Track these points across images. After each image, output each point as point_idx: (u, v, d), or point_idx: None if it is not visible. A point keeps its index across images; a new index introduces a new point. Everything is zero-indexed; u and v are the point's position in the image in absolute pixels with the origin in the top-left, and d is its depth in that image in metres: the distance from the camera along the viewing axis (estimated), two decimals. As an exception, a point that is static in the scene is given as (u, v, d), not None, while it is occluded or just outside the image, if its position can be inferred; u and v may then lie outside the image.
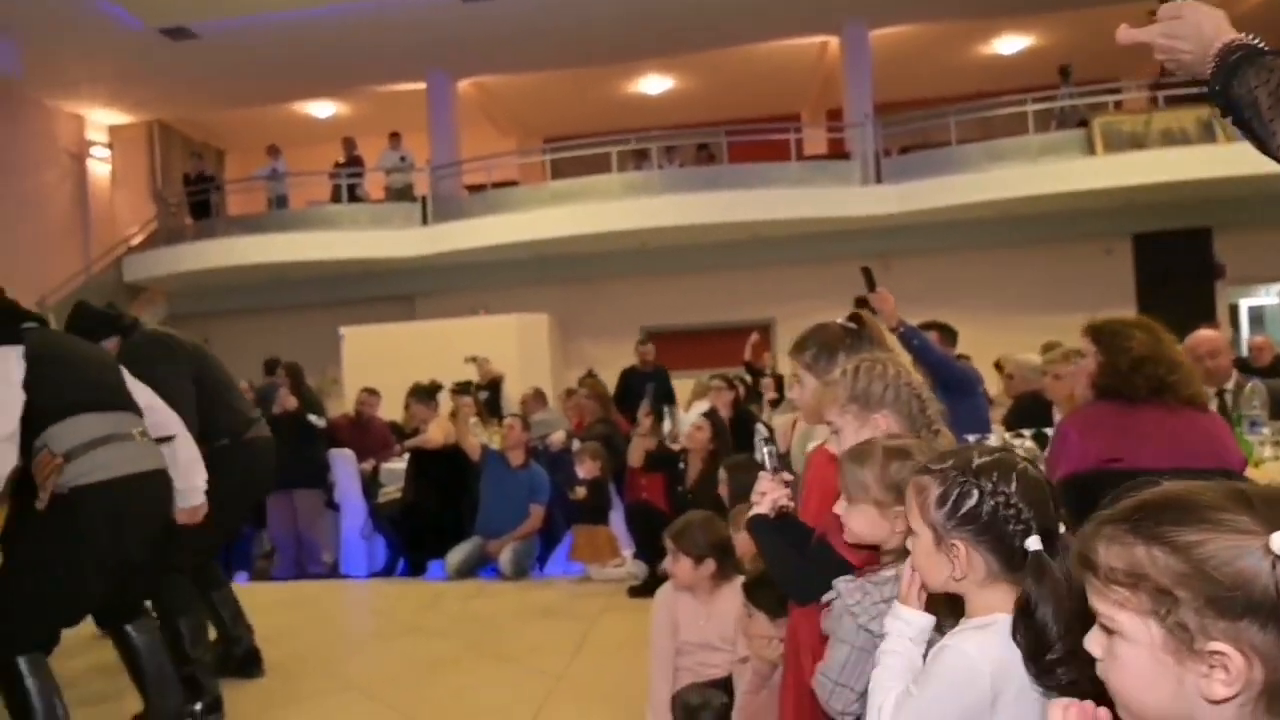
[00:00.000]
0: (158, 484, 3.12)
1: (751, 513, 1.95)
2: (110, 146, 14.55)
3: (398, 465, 7.11)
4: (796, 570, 1.88)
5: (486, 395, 8.72)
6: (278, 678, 4.05)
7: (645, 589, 5.18)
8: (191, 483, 3.30)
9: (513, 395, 9.14)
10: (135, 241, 14.22)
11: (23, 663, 2.85)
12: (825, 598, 1.72)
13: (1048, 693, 1.22)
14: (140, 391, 3.20)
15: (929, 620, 1.43)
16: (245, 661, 4.05)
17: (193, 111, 14.78)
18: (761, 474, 1.97)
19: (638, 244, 12.24)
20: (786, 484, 1.97)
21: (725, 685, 3.02)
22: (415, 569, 6.51)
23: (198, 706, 3.41)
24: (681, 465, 5.49)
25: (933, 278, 11.19)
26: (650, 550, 5.40)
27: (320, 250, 12.51)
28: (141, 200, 15.05)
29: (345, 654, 4.60)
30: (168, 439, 3.23)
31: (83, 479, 2.88)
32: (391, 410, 8.12)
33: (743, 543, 3.37)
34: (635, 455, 5.69)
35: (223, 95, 13.70)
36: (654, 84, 14.79)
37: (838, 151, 12.69)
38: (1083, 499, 1.20)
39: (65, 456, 2.87)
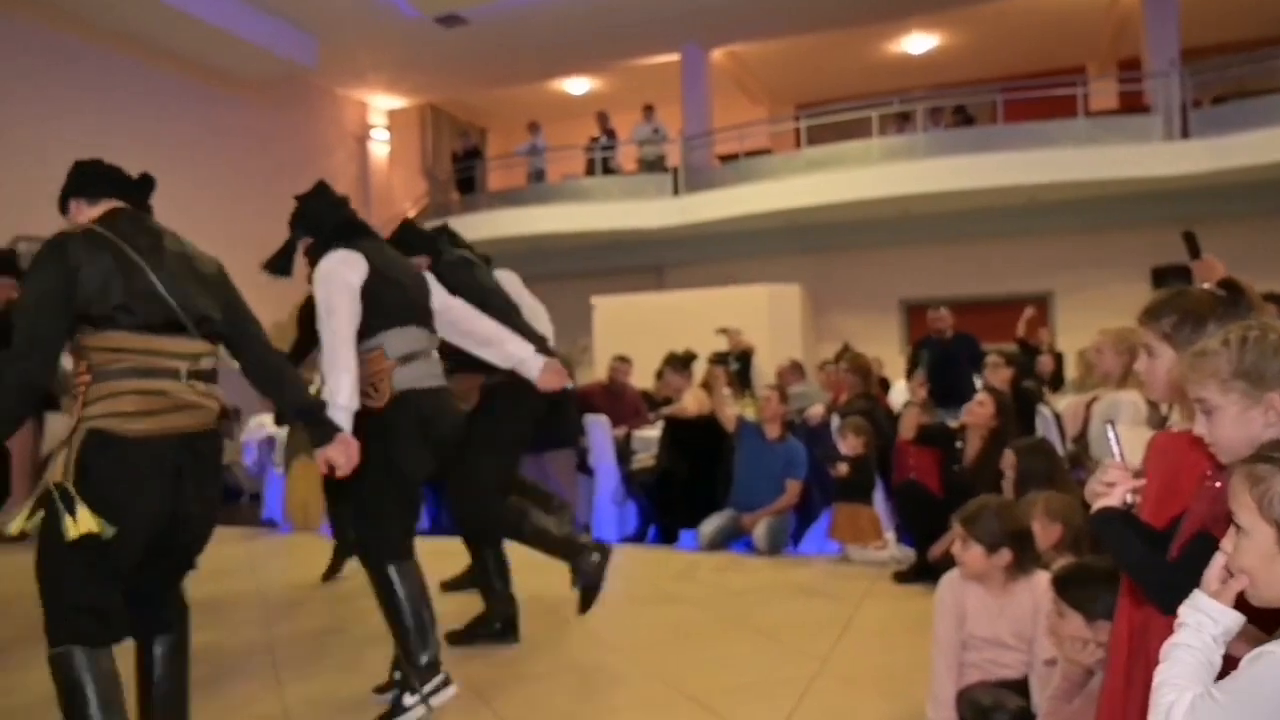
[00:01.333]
0: (451, 401, 3.28)
1: (1098, 505, 1.68)
2: (389, 129, 15.71)
3: (650, 433, 7.09)
4: (1165, 573, 1.54)
5: (737, 367, 8.56)
6: (538, 636, 4.07)
7: (913, 575, 4.78)
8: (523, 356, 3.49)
9: (762, 368, 8.92)
10: (409, 215, 15.28)
11: (393, 570, 2.98)
12: None
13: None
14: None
15: (1237, 620, 1.31)
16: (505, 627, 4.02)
17: (460, 93, 15.63)
18: (1108, 462, 1.73)
19: (898, 211, 11.56)
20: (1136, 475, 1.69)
21: (1019, 687, 2.67)
22: (666, 537, 6.45)
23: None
24: (959, 444, 5.00)
25: (1250, 244, 9.71)
26: (918, 533, 4.99)
27: (574, 222, 12.81)
28: (414, 178, 16.19)
29: (602, 617, 4.58)
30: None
31: (412, 384, 3.04)
32: (640, 379, 8.15)
33: (1044, 534, 2.98)
34: (907, 427, 5.26)
35: (487, 76, 14.33)
36: (917, 43, 13.91)
37: (1133, 105, 11.32)
38: None
39: (400, 360, 3.03)
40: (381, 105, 15.53)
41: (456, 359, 3.53)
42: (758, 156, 12.73)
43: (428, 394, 3.09)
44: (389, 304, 3.06)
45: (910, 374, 7.16)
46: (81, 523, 2.12)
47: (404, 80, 14.48)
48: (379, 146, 15.56)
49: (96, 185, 2.44)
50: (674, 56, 13.39)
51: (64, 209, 2.47)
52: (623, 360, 7.77)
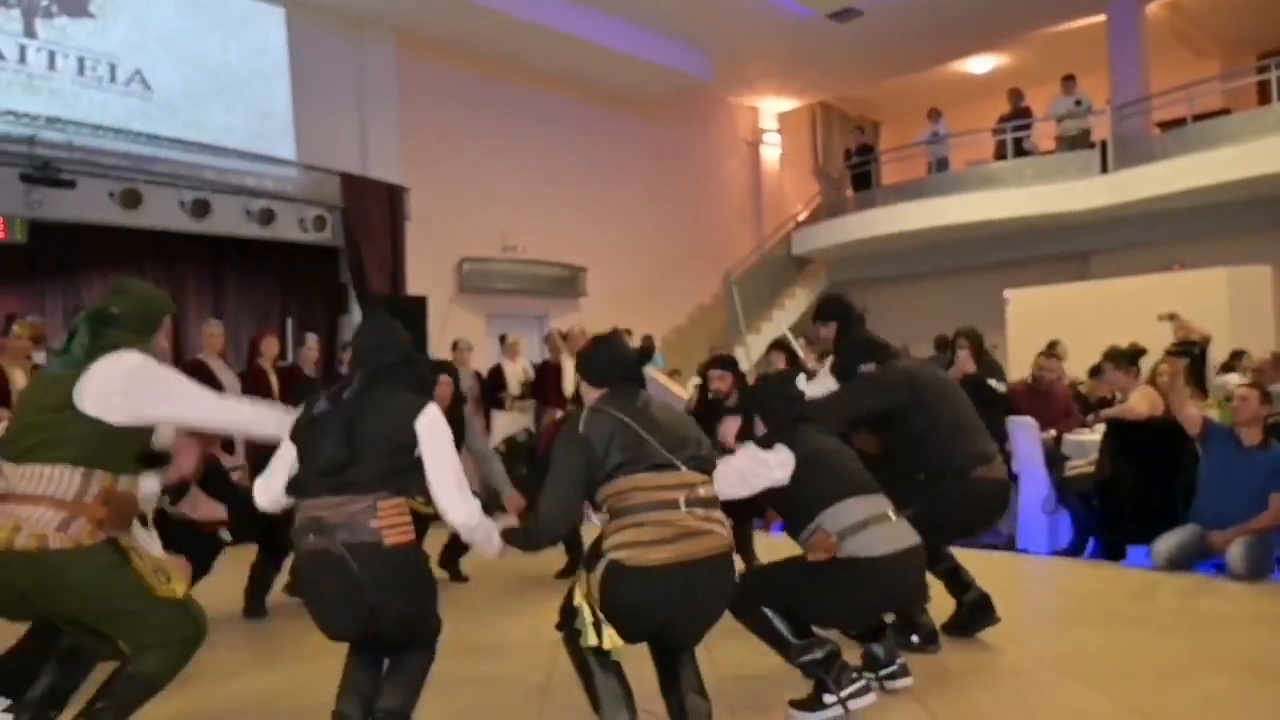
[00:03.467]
0: None
1: None
2: (779, 132, 15.86)
3: (1083, 436, 6.31)
4: None
5: (1187, 360, 7.35)
6: (973, 647, 3.73)
7: None
8: None
9: (1213, 362, 7.69)
10: (801, 217, 15.32)
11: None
12: None
13: None
14: None
15: None
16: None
17: (852, 88, 15.35)
18: None
19: None
20: None
21: None
22: (1110, 553, 5.66)
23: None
24: None
25: None
26: None
27: (982, 211, 12.01)
28: (804, 179, 16.18)
29: (1045, 635, 4.09)
30: None
31: None
32: (1075, 373, 7.37)
33: None
34: None
35: (882, 67, 13.89)
36: None
37: None
38: None
39: None
40: (772, 109, 15.72)
41: None
42: (1210, 119, 10.94)
43: None
44: None
45: None
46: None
47: (794, 81, 14.52)
48: (770, 150, 15.78)
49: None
50: (1098, 18, 12.10)
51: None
52: (1050, 355, 7.00)
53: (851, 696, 2.91)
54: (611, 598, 2.53)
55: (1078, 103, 12.26)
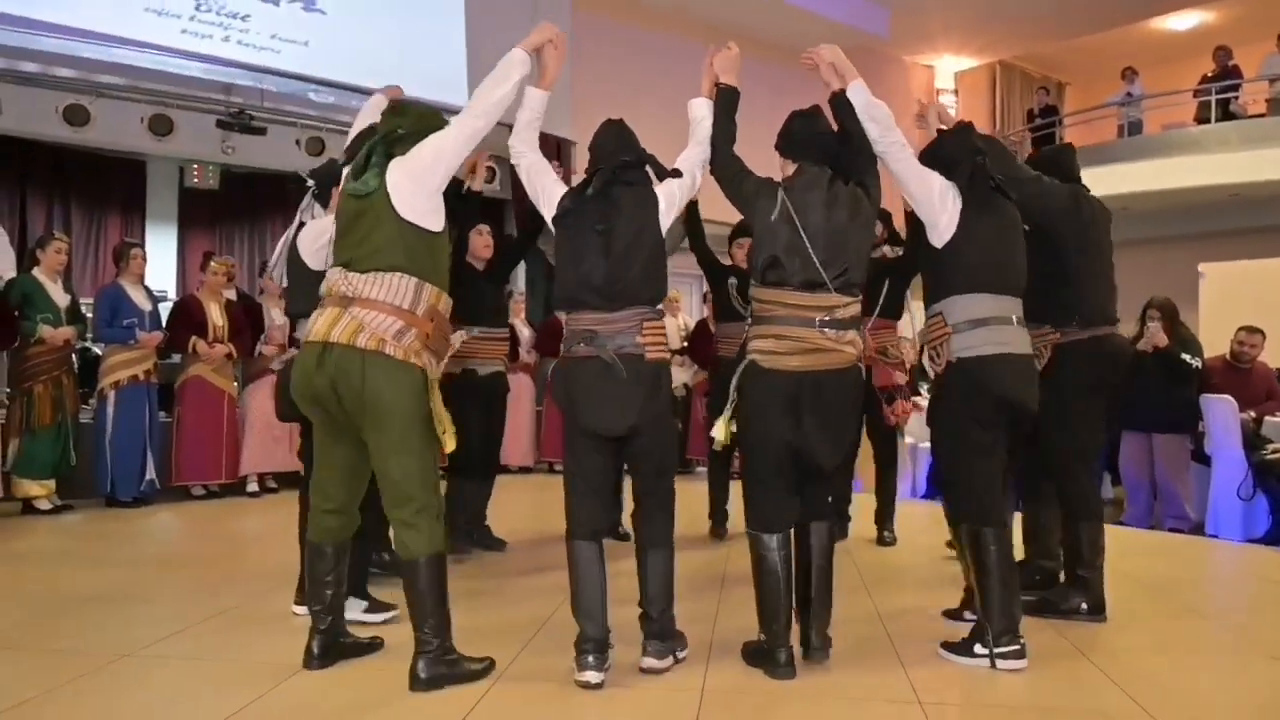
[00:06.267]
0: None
1: None
2: (955, 92, 15.06)
3: (1287, 420, 5.77)
4: None
5: None
6: (1157, 622, 3.49)
7: None
8: None
9: None
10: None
11: (989, 533, 2.92)
12: None
13: None
14: None
15: None
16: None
17: (1037, 46, 14.43)
18: None
19: None
20: None
21: None
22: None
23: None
24: None
25: None
26: None
27: (1179, 178, 11.08)
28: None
29: (1240, 617, 3.78)
30: None
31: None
32: (1272, 356, 6.67)
33: None
34: None
35: (1071, 24, 12.95)
36: None
37: None
38: None
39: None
40: (949, 68, 14.92)
41: None
42: None
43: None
44: None
45: None
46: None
47: (975, 39, 13.74)
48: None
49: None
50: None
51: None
52: (1252, 332, 6.40)
53: (1002, 656, 2.87)
54: (750, 391, 2.80)
55: (1294, 62, 11.12)
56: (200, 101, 7.93)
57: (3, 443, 5.71)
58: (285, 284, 3.47)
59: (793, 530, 2.85)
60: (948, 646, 3.03)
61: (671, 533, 2.84)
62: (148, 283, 6.44)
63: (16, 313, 5.62)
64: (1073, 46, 14.30)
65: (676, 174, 2.87)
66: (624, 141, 2.87)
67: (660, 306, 2.85)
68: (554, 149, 9.81)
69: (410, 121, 2.72)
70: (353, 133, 3.14)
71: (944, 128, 3.36)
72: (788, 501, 2.82)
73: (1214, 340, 6.84)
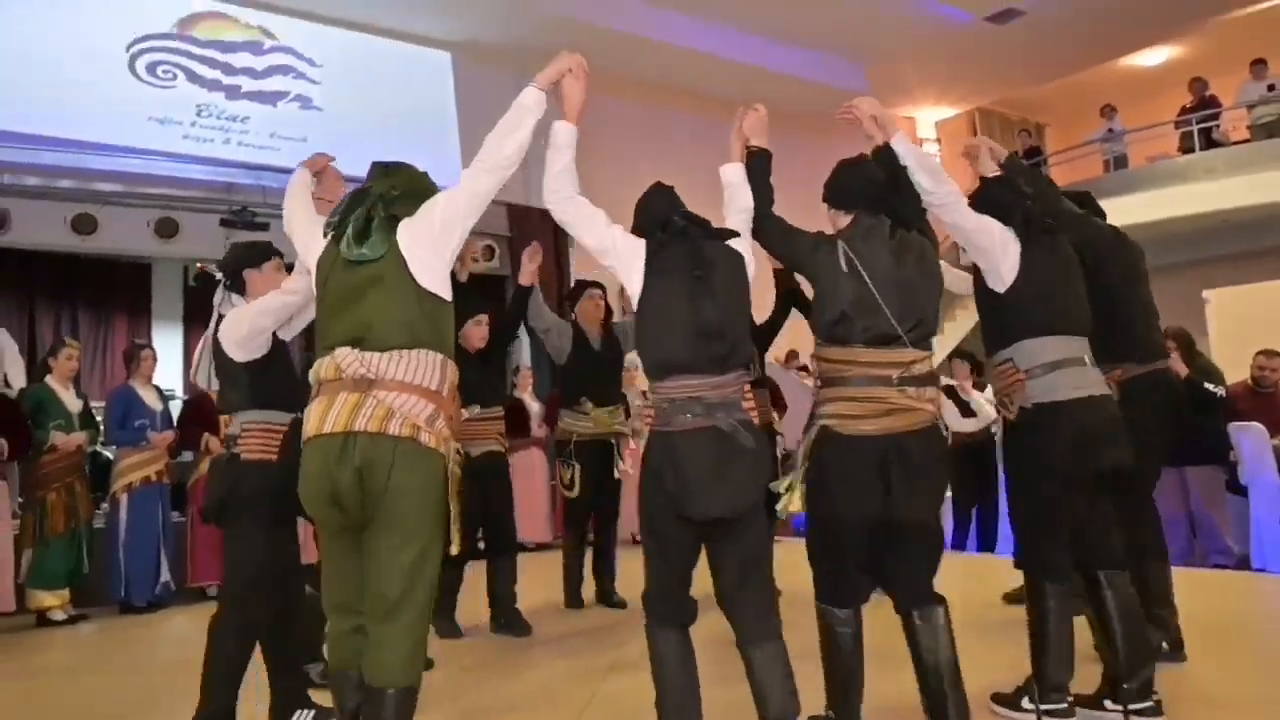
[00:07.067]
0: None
1: None
2: (938, 140, 15.31)
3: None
4: None
5: None
6: (1220, 666, 3.39)
7: None
8: None
9: None
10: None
11: (1048, 588, 2.82)
12: None
13: None
14: None
15: None
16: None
17: (1014, 91, 14.68)
18: None
19: None
20: None
21: None
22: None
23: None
24: None
25: None
26: None
27: (1171, 207, 11.20)
28: (969, 186, 15.48)
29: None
30: None
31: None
32: None
33: None
34: None
35: (1046, 68, 13.23)
36: None
37: None
38: None
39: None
40: (929, 118, 15.22)
41: None
42: None
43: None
44: None
45: None
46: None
47: (953, 88, 14.01)
48: (932, 160, 15.28)
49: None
50: (1285, -1, 11.10)
51: None
52: (1271, 355, 6.36)
53: (1051, 715, 2.77)
54: (826, 459, 2.55)
55: (1270, 87, 11.35)
56: (203, 202, 8.04)
57: (16, 554, 5.60)
58: (212, 385, 3.14)
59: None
60: (996, 698, 2.95)
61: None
62: (155, 382, 6.41)
63: (30, 422, 5.58)
64: (1049, 89, 14.58)
65: (735, 234, 2.67)
66: (676, 204, 2.66)
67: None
68: (551, 225, 9.88)
69: (403, 181, 2.45)
70: (287, 214, 2.86)
71: (998, 165, 3.31)
72: (861, 575, 2.58)
73: (1227, 367, 6.80)
